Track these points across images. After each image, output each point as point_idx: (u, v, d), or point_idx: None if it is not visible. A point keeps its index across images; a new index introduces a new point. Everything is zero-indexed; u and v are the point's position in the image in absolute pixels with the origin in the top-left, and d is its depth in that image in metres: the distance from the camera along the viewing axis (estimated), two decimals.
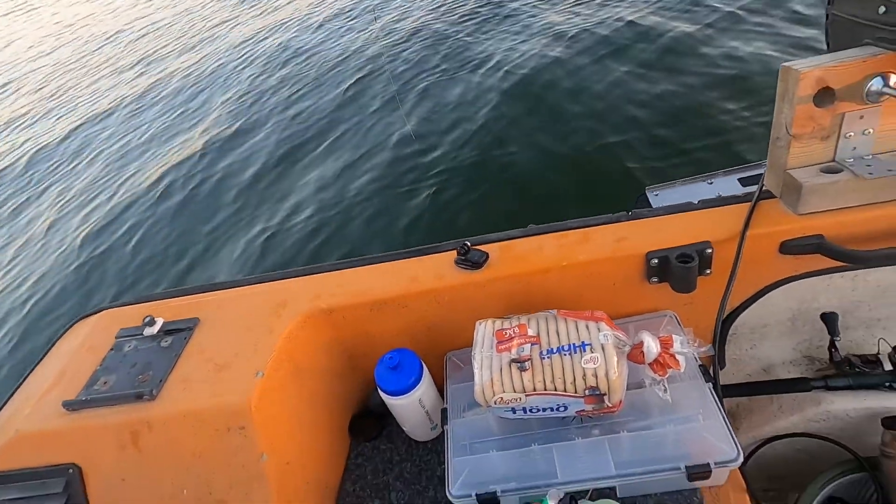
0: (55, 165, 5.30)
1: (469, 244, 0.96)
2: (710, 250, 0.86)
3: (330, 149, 4.02)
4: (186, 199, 4.07)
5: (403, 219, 3.16)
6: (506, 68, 4.23)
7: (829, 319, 0.99)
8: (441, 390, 1.00)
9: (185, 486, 0.86)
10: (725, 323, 0.97)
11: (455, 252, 0.97)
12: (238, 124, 4.74)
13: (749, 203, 0.90)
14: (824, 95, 0.78)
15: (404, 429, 1.01)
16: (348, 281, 1.01)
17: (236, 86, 5.52)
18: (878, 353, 1.00)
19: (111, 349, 1.00)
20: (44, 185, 5.04)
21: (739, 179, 1.09)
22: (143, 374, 0.92)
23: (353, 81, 4.75)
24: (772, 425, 1.07)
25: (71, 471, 0.87)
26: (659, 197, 1.13)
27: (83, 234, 4.10)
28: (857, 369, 0.98)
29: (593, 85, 3.76)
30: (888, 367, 0.96)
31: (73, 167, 5.13)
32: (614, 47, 4.09)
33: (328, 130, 4.24)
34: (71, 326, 1.16)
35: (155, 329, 1.00)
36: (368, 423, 1.07)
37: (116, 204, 4.31)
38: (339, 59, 5.25)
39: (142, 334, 1.00)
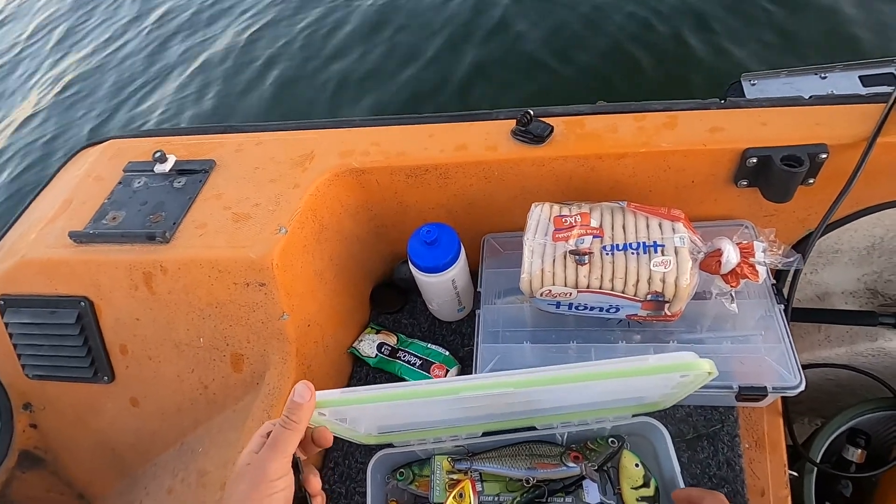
0: None
1: (532, 114, 0.82)
2: (824, 155, 0.72)
3: None
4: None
5: (453, 79, 2.63)
6: None
7: None
8: (473, 272, 0.93)
9: (201, 335, 0.82)
10: (805, 243, 0.86)
11: (514, 122, 0.83)
12: None
13: (880, 104, 0.74)
14: None
15: (430, 307, 0.96)
16: (385, 140, 0.88)
17: None
18: None
19: (119, 182, 0.91)
20: None
21: (861, 77, 0.90)
22: (154, 213, 0.84)
23: None
24: (812, 353, 1.02)
25: (83, 303, 0.83)
26: (757, 87, 0.94)
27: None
28: None
29: None
30: None
31: None
32: None
33: None
34: (75, 154, 1.06)
35: (167, 167, 0.89)
36: (391, 294, 1.02)
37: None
38: None
39: (152, 171, 0.90)
